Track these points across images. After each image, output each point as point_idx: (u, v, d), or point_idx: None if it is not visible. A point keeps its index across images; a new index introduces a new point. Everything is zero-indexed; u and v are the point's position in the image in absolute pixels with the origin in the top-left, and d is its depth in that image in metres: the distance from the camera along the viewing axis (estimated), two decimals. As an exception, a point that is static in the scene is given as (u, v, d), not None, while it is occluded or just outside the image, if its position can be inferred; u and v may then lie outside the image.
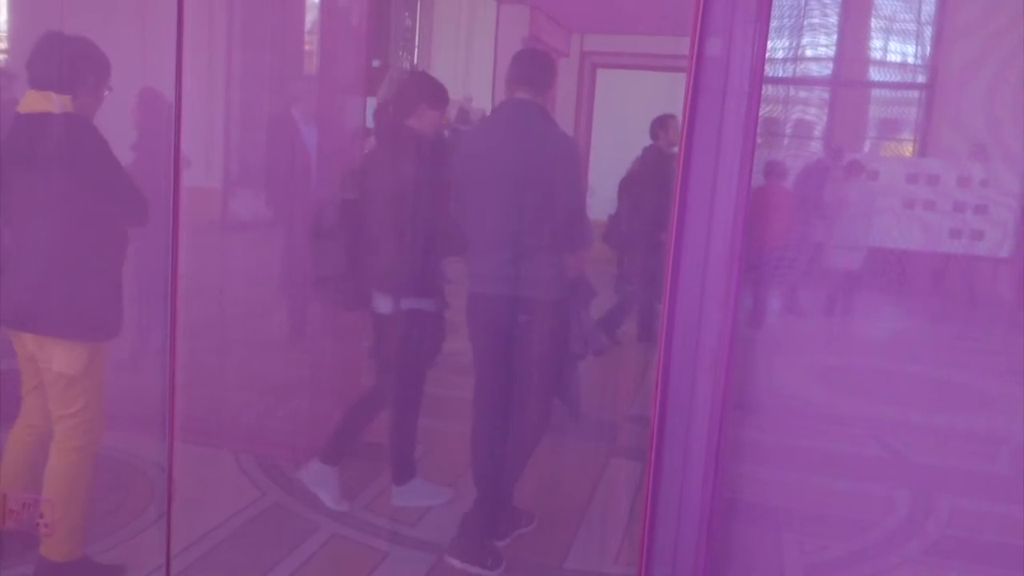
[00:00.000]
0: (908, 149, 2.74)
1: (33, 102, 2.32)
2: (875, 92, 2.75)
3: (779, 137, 2.62)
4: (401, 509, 3.05)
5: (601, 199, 3.92)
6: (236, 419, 3.53)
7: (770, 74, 2.28)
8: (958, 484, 2.66)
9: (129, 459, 3.18)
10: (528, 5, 4.34)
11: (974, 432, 2.57)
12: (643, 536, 2.26)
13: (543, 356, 2.72)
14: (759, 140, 2.16)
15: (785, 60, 2.45)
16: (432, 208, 2.85)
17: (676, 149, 2.25)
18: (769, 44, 2.12)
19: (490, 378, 2.75)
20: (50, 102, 2.30)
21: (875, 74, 2.71)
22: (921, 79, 2.68)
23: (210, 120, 3.68)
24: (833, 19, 2.53)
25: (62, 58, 2.33)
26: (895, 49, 2.59)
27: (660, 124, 3.71)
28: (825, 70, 2.63)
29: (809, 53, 2.50)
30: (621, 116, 4.53)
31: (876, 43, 2.60)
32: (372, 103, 3.42)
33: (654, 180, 3.67)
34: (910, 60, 2.59)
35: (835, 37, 2.55)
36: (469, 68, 4.84)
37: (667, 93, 3.47)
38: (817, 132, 2.68)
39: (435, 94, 2.89)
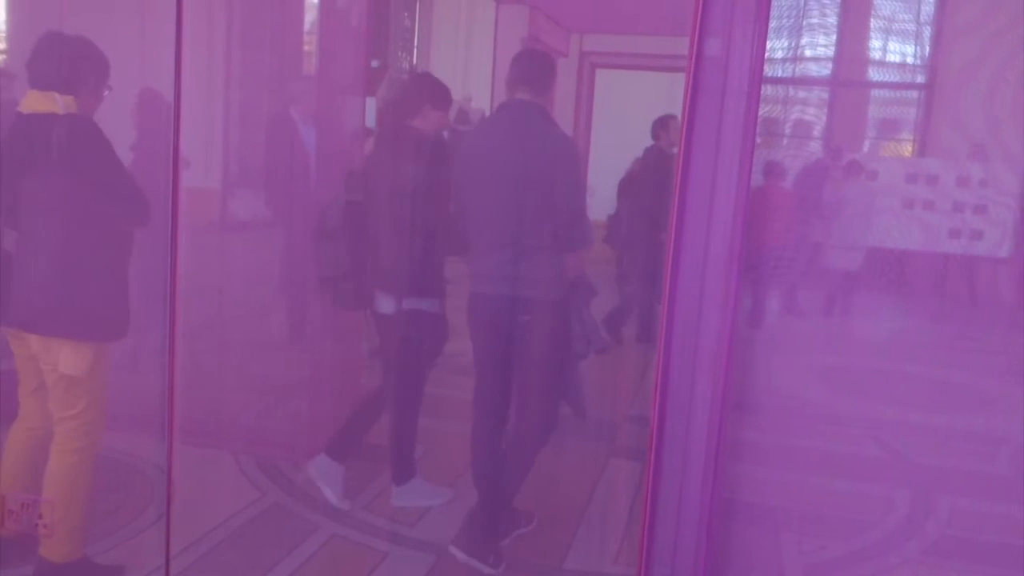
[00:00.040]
0: (907, 149, 2.74)
1: (35, 102, 2.32)
2: (874, 92, 2.75)
3: (778, 137, 2.62)
4: (401, 509, 3.05)
5: (600, 199, 3.92)
6: (235, 420, 3.53)
7: (769, 74, 2.28)
8: (957, 484, 2.65)
9: (128, 460, 3.18)
10: (527, 5, 4.34)
11: (973, 432, 2.57)
12: (642, 536, 2.26)
13: (545, 356, 2.73)
14: (758, 140, 2.16)
15: (784, 60, 2.45)
16: (439, 208, 2.86)
17: (677, 149, 2.26)
18: (768, 44, 2.13)
19: (491, 378, 2.75)
20: (54, 103, 2.30)
21: (874, 74, 2.70)
22: (920, 79, 2.68)
23: (209, 120, 3.68)
24: (832, 19, 2.53)
25: (62, 58, 2.33)
26: (894, 49, 2.59)
27: (661, 124, 3.71)
28: (824, 70, 2.63)
29: (808, 53, 2.50)
30: (620, 116, 4.53)
31: (875, 43, 2.60)
32: (371, 103, 3.42)
33: (655, 180, 3.67)
34: (909, 60, 2.59)
35: (834, 37, 2.55)
36: (468, 68, 4.83)
37: (666, 93, 3.47)
38: (816, 132, 2.68)
39: (440, 95, 2.90)
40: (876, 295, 2.65)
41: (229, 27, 3.70)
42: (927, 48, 2.60)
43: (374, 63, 4.32)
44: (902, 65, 2.61)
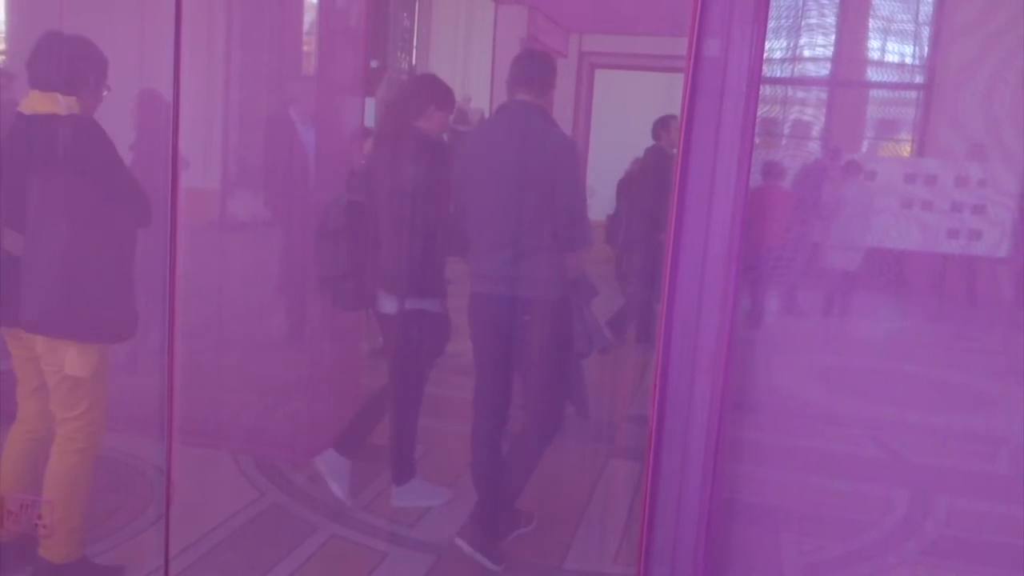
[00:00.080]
0: (906, 149, 2.74)
1: (37, 103, 2.32)
2: (873, 92, 2.75)
3: (777, 137, 2.62)
4: (400, 509, 3.05)
5: (600, 199, 3.92)
6: (235, 420, 3.53)
7: (768, 74, 2.28)
8: (956, 484, 2.66)
9: (128, 460, 3.18)
10: (526, 5, 4.34)
11: (972, 432, 2.57)
12: (642, 536, 2.26)
13: (546, 356, 2.73)
14: (757, 140, 2.17)
15: (783, 60, 2.45)
16: (442, 209, 2.87)
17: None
18: (767, 45, 2.13)
19: (491, 378, 2.76)
20: (56, 104, 2.30)
21: (873, 74, 2.70)
22: (919, 79, 2.68)
23: (208, 121, 3.68)
24: (831, 19, 2.53)
25: (62, 58, 2.33)
26: (893, 49, 2.59)
27: (662, 124, 3.71)
28: (823, 70, 2.63)
29: (807, 53, 2.50)
30: (620, 116, 4.53)
31: (874, 43, 2.60)
32: (371, 104, 3.42)
33: (656, 180, 3.68)
34: (908, 60, 2.59)
35: (833, 37, 2.56)
36: (467, 68, 4.84)
37: (665, 94, 3.47)
38: (815, 132, 2.69)
39: (443, 96, 2.91)
40: (875, 295, 2.65)
41: (228, 27, 3.71)
42: (926, 48, 2.60)
43: (373, 63, 4.32)
44: (901, 65, 2.61)
